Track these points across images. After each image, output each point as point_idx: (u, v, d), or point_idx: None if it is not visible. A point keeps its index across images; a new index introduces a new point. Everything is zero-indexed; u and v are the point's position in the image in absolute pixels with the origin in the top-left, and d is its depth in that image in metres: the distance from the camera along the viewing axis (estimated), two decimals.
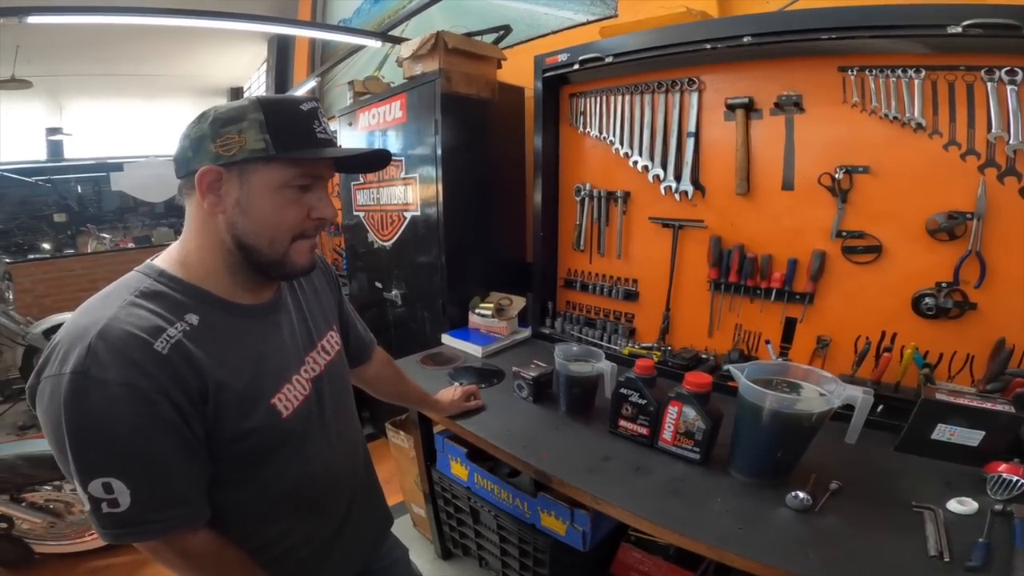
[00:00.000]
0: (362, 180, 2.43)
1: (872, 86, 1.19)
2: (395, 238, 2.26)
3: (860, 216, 1.25)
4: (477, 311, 1.96)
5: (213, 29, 4.31)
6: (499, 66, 2.12)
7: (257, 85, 6.30)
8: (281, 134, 0.65)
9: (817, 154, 1.29)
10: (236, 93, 7.01)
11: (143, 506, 0.60)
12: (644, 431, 1.16)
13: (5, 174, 6.44)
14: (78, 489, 0.59)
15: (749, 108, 1.36)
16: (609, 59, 1.51)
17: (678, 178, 1.52)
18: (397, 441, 1.90)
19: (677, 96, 1.50)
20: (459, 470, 1.50)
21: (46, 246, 6.73)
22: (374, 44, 2.87)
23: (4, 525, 1.87)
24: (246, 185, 0.66)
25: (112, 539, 0.61)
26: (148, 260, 0.72)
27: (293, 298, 0.85)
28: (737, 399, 1.03)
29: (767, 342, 1.43)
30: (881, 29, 1.09)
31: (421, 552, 1.99)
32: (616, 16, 1.99)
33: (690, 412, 1.07)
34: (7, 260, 4.05)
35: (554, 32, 2.24)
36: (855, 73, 1.21)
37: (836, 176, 1.25)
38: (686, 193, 1.51)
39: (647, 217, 1.63)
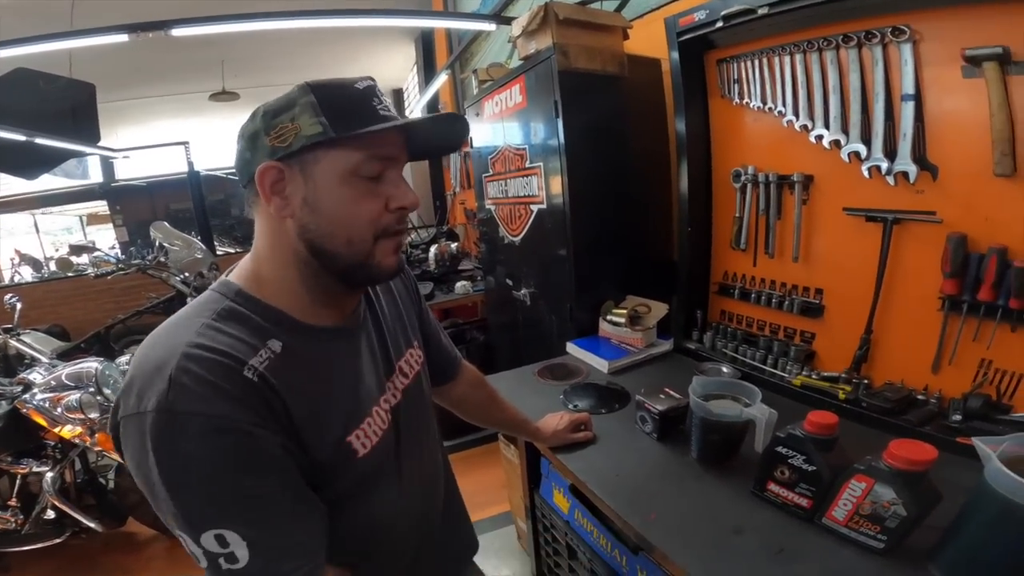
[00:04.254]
0: (491, 171, 2.43)
1: None
2: (523, 233, 2.21)
3: None
4: (608, 318, 1.80)
5: (367, 30, 4.80)
6: (626, 36, 1.91)
7: (412, 84, 6.90)
8: (338, 114, 0.59)
9: None
10: (397, 94, 7.81)
11: (265, 557, 0.54)
12: (804, 503, 0.89)
13: (217, 175, 8.14)
14: (190, 546, 0.53)
15: (1004, 61, 0.97)
16: (763, 10, 1.22)
17: (890, 155, 1.15)
18: (508, 455, 1.86)
19: (878, 50, 1.15)
20: (561, 501, 1.39)
21: None
22: (489, 27, 3.04)
23: None
24: (311, 179, 0.61)
25: None
26: (222, 276, 0.68)
27: (371, 313, 0.78)
28: (978, 481, 0.72)
29: None
30: None
31: (518, 569, 2.05)
32: None
33: (886, 493, 0.77)
34: (216, 253, 5.10)
35: None
36: None
37: None
38: (905, 175, 1.13)
39: (840, 208, 1.28)
